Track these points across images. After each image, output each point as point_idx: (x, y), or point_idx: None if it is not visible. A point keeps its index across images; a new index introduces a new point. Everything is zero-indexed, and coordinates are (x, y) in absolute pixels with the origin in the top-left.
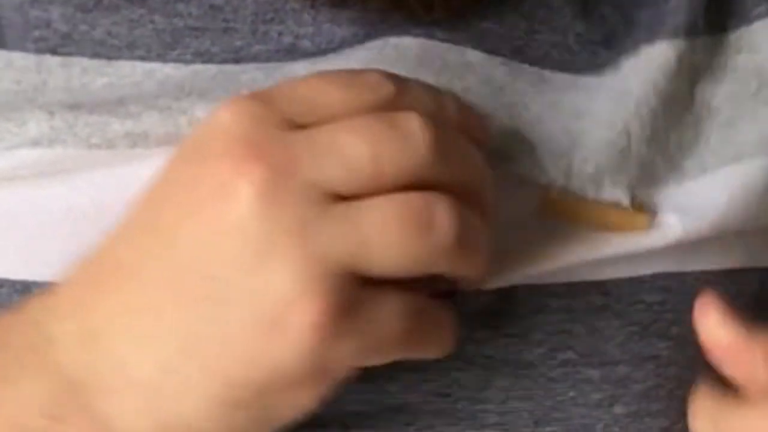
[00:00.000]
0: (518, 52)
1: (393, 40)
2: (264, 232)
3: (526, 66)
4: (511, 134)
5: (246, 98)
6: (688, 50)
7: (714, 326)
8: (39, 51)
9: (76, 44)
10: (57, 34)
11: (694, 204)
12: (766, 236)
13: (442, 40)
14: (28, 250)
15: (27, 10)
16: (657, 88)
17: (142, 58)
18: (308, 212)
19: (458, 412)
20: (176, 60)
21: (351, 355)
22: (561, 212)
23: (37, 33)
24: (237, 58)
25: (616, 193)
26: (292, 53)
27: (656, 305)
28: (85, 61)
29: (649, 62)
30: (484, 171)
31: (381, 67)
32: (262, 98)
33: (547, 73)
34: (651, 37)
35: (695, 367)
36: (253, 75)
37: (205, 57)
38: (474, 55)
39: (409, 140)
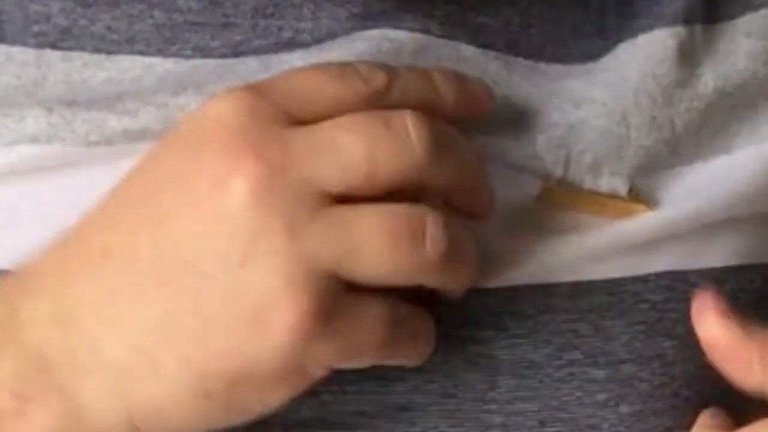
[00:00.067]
0: (513, 46)
1: (389, 33)
2: (253, 229)
3: (520, 59)
4: (508, 126)
5: (242, 90)
6: (687, 37)
7: (712, 325)
8: (39, 45)
9: (76, 39)
10: (57, 28)
11: (704, 187)
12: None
13: (438, 35)
14: (27, 246)
15: (27, 5)
16: (656, 75)
17: (142, 53)
18: (300, 213)
19: (463, 413)
20: (176, 55)
21: (328, 358)
22: (560, 202)
23: (37, 27)
24: (236, 52)
25: (614, 182)
26: (292, 48)
27: (661, 304)
28: (85, 56)
29: (648, 50)
30: (480, 169)
31: (377, 59)
32: (258, 90)
33: (542, 65)
34: (649, 24)
35: (700, 365)
36: (250, 66)
37: (204, 52)
38: (468, 50)
39: (404, 141)
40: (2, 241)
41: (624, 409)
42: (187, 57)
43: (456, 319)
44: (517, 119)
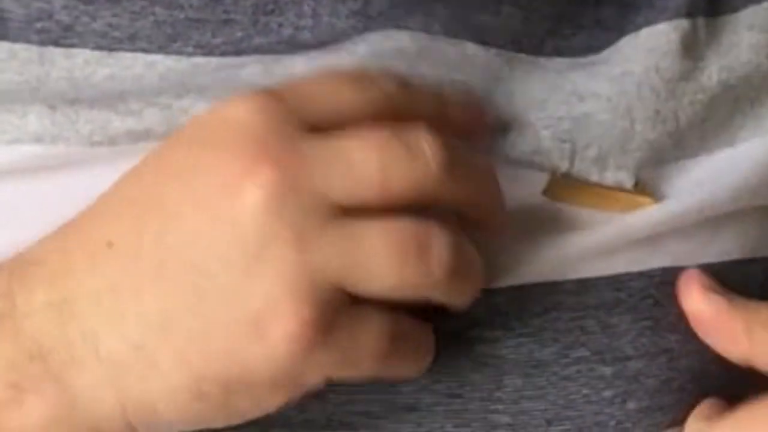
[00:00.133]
0: (515, 43)
1: (392, 34)
2: (262, 237)
3: (522, 55)
4: (512, 122)
5: (261, 94)
6: (690, 30)
7: (696, 298)
8: (42, 42)
9: (78, 36)
10: (59, 25)
11: (708, 179)
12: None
13: (440, 34)
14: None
15: (29, 2)
16: (659, 68)
17: (144, 50)
18: (309, 224)
19: (470, 413)
20: (177, 52)
21: (325, 369)
22: (565, 196)
23: (39, 24)
24: (238, 50)
25: (620, 175)
26: (293, 45)
27: (665, 299)
28: (87, 53)
29: (651, 43)
30: (494, 186)
31: (381, 60)
32: (275, 95)
33: (543, 60)
34: (652, 18)
35: (706, 359)
36: (252, 70)
37: (206, 49)
38: (471, 48)
39: (419, 157)
40: (4, 240)
41: (631, 405)
42: (189, 54)
43: (462, 319)
44: (521, 115)
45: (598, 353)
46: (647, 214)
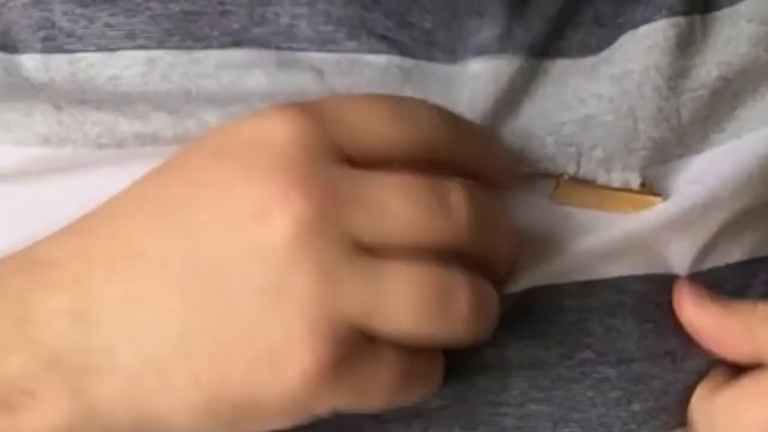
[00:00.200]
0: (517, 50)
1: (394, 60)
2: (288, 269)
3: (525, 59)
4: (516, 131)
5: (296, 112)
6: (687, 27)
7: (692, 310)
8: (46, 50)
9: (80, 40)
10: (62, 32)
11: (714, 172)
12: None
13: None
14: None
15: (32, 13)
16: (659, 66)
17: (143, 47)
18: (336, 261)
19: (477, 417)
20: (177, 47)
21: (335, 402)
22: (573, 199)
23: (43, 33)
24: (237, 41)
25: (627, 175)
26: (290, 35)
27: (668, 303)
28: (89, 56)
29: (649, 41)
30: (512, 239)
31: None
32: (312, 115)
33: (546, 62)
34: (649, 15)
35: (710, 360)
36: (258, 78)
37: (204, 42)
38: (477, 64)
39: (452, 217)
40: (14, 242)
41: (636, 406)
42: (188, 48)
43: None
44: (525, 126)
45: (602, 355)
46: (651, 214)
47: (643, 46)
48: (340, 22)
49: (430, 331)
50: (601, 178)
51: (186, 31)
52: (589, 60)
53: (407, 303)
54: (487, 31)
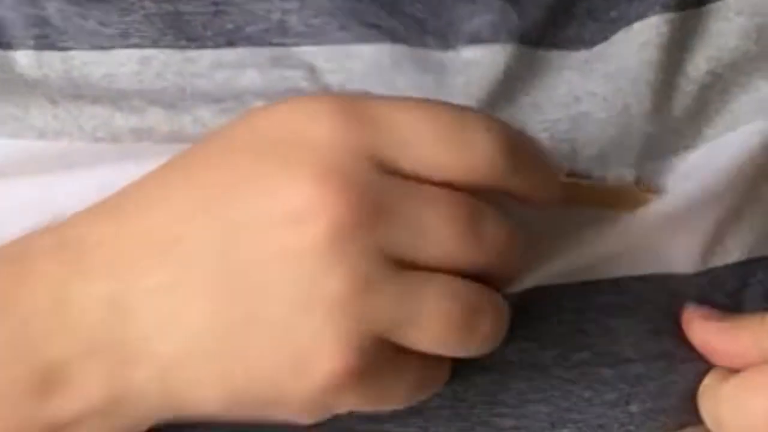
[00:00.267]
0: (511, 37)
1: (385, 49)
2: (321, 274)
3: (518, 47)
4: (513, 122)
5: (349, 118)
6: (680, 22)
7: (700, 332)
8: (39, 48)
9: (73, 38)
10: (55, 29)
11: (702, 170)
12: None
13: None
14: None
15: (25, 10)
16: (652, 62)
17: (137, 46)
18: (371, 273)
19: (474, 417)
20: (170, 46)
21: (354, 405)
22: (568, 197)
23: (36, 30)
24: (230, 41)
25: (622, 171)
26: (281, 31)
27: (666, 302)
28: (83, 54)
29: (643, 37)
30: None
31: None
32: (366, 121)
33: (540, 52)
34: (643, 11)
35: (706, 365)
36: (252, 78)
37: (198, 42)
38: (469, 51)
39: (487, 246)
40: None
41: (634, 408)
42: (182, 48)
43: None
44: (519, 115)
45: (600, 356)
46: (647, 212)
47: (636, 43)
48: (330, 14)
49: (455, 346)
50: (597, 175)
51: (180, 30)
52: (583, 54)
53: (436, 319)
54: (480, 17)
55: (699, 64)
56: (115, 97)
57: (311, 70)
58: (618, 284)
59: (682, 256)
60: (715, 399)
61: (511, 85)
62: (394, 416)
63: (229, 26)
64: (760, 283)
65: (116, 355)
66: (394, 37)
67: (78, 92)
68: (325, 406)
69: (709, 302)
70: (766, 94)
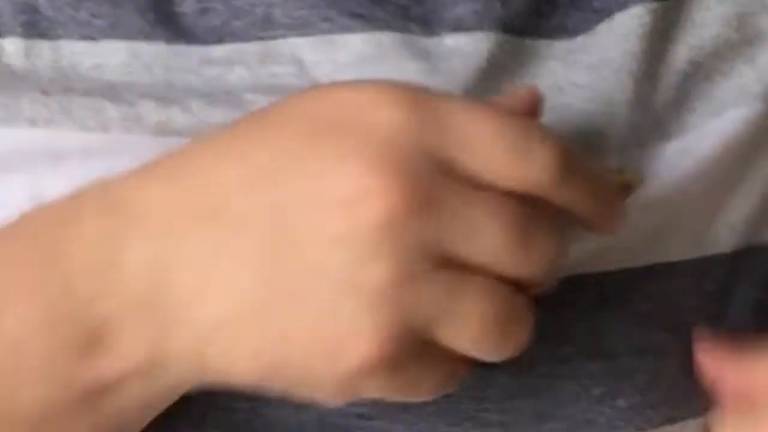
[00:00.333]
0: (494, 26)
1: (370, 38)
2: (368, 261)
3: (501, 36)
4: None
5: (413, 109)
6: (662, 12)
7: (716, 371)
8: (28, 36)
9: (63, 27)
10: (45, 18)
11: (686, 158)
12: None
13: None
14: None
15: None
16: (635, 52)
17: (127, 38)
18: (417, 264)
19: (461, 412)
20: (159, 39)
21: (381, 393)
22: None
23: (24, 17)
24: (219, 37)
25: (605, 160)
26: (266, 24)
27: (654, 296)
28: (72, 44)
29: (625, 27)
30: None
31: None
32: (429, 114)
33: (524, 41)
34: (625, 2)
35: (695, 355)
36: (240, 74)
37: (189, 38)
38: (453, 39)
39: (535, 258)
40: None
41: (621, 402)
42: (171, 42)
43: None
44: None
45: (586, 350)
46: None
47: (619, 33)
48: (313, 6)
49: (488, 348)
50: None
51: (168, 25)
52: (566, 44)
53: (476, 319)
54: (463, 5)
55: (681, 53)
56: (105, 90)
57: (299, 65)
58: (604, 277)
59: (668, 245)
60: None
61: (494, 73)
62: (382, 412)
63: (216, 22)
64: (749, 272)
65: (158, 318)
66: (377, 25)
67: (68, 83)
68: (353, 390)
69: (699, 291)
70: (748, 79)
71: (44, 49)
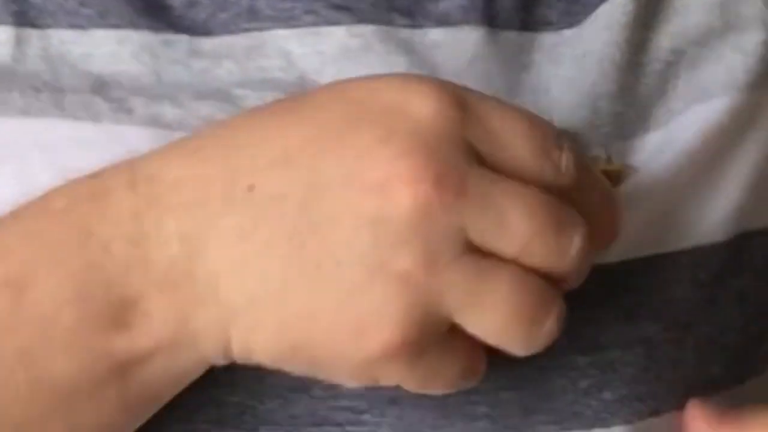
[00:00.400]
0: (482, 20)
1: (353, 29)
2: (397, 246)
3: (487, 30)
4: None
5: (450, 101)
6: (645, 1)
7: None
8: (18, 24)
9: (52, 16)
10: (33, 7)
11: (667, 149)
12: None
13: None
14: None
15: None
16: (618, 42)
17: (115, 26)
18: (445, 254)
19: (449, 405)
20: (148, 28)
21: (402, 382)
22: None
23: (15, 6)
24: (206, 30)
25: (593, 151)
26: (252, 16)
27: (644, 287)
28: (61, 33)
29: (608, 17)
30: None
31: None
32: (464, 107)
33: (510, 35)
34: None
35: (685, 348)
36: (229, 68)
37: (176, 28)
38: (438, 33)
39: (566, 254)
40: None
41: (607, 395)
42: (159, 30)
43: None
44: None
45: (573, 342)
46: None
47: (602, 23)
48: None
49: (516, 338)
50: None
51: (157, 14)
52: (551, 37)
53: (505, 307)
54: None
55: (663, 42)
56: (96, 87)
57: (286, 58)
58: (593, 270)
59: (658, 235)
60: None
61: (480, 68)
62: (371, 406)
63: (203, 15)
64: (744, 259)
65: (187, 294)
66: (361, 17)
67: (57, 77)
68: (373, 375)
69: (692, 281)
70: (735, 65)
71: (33, 38)
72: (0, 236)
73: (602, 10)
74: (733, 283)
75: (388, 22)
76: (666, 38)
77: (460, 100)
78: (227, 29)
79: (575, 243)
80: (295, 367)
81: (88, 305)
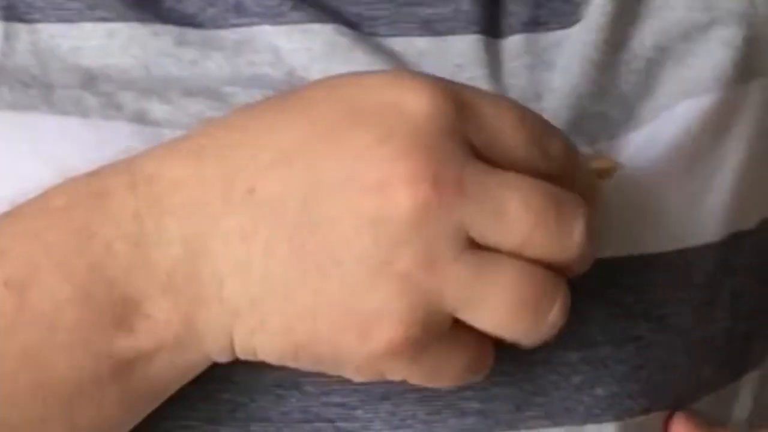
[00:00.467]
0: (464, 26)
1: (341, 29)
2: (397, 246)
3: (472, 38)
4: None
5: (446, 98)
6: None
7: None
8: (6, 19)
9: (40, 11)
10: (23, 2)
11: (651, 147)
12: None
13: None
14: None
15: None
16: (597, 42)
17: (104, 19)
18: (445, 251)
19: (441, 400)
20: (137, 20)
21: (407, 377)
22: None
23: (3, 1)
24: (195, 23)
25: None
26: (239, 12)
27: (637, 286)
28: (50, 27)
29: (587, 20)
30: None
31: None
32: (459, 104)
33: (496, 40)
34: None
35: (675, 347)
36: (218, 63)
37: (166, 19)
38: (422, 40)
39: (567, 237)
40: None
41: (599, 391)
42: (147, 22)
43: None
44: None
45: (566, 339)
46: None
47: (583, 26)
48: None
49: (521, 329)
50: None
51: (146, 7)
52: (538, 39)
53: (504, 305)
54: (433, 8)
55: (645, 39)
56: (85, 82)
57: (275, 53)
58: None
59: (651, 234)
60: None
61: (467, 75)
62: (363, 401)
63: (191, 10)
64: (737, 260)
65: (189, 296)
66: (345, 22)
67: (47, 78)
68: (377, 370)
69: (686, 283)
70: (719, 56)
71: (22, 32)
72: (0, 236)
73: (586, 12)
74: (726, 284)
75: (372, 33)
76: (648, 35)
77: (453, 95)
78: (216, 24)
79: (578, 227)
80: (300, 364)
81: (89, 305)
